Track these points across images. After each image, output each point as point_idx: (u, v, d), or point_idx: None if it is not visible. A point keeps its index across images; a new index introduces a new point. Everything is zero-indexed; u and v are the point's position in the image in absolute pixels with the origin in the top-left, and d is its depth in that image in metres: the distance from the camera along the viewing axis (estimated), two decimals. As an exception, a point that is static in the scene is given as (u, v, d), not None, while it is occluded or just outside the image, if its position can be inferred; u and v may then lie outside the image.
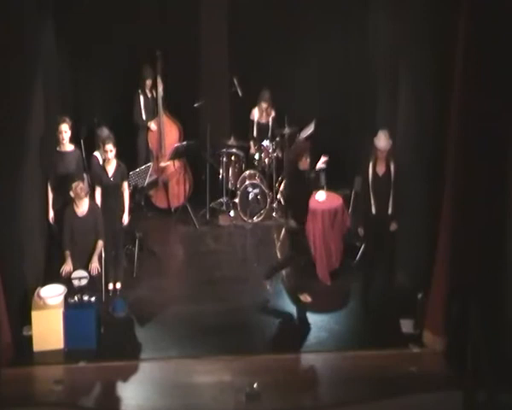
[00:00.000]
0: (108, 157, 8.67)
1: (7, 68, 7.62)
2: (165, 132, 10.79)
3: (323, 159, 8.88)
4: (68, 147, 8.84)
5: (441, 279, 7.63)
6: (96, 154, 9.13)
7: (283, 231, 10.05)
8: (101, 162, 8.96)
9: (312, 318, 8.48)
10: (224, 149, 10.69)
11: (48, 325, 7.81)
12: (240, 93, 10.62)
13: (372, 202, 8.35)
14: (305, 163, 8.39)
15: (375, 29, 9.89)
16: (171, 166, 10.83)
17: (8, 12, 7.55)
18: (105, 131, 9.20)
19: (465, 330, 7.12)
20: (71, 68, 10.22)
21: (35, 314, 7.83)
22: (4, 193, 7.75)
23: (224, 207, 10.82)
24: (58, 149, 8.81)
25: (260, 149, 10.82)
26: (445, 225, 7.60)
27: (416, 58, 8.36)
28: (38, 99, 8.66)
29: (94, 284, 8.17)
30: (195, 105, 10.70)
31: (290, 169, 8.77)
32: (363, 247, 9.17)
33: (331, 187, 9.94)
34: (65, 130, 8.71)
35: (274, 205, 10.80)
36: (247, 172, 10.69)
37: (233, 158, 10.77)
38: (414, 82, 8.50)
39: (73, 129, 8.91)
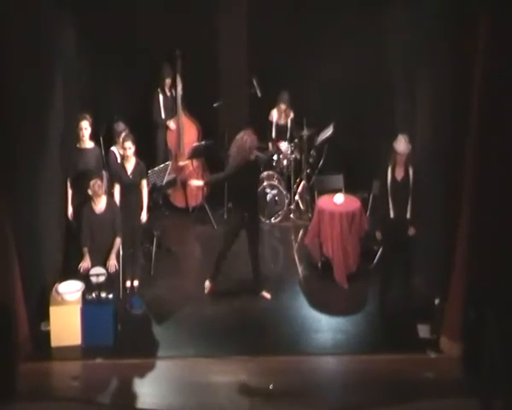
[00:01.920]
0: (127, 154, 8.71)
1: (27, 66, 7.66)
2: (184, 132, 10.82)
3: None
4: (88, 144, 8.90)
5: (459, 285, 7.61)
6: (114, 149, 9.19)
7: (301, 232, 10.09)
8: (118, 157, 9.01)
9: (329, 320, 8.48)
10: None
11: (65, 321, 7.86)
12: (259, 94, 10.63)
13: (390, 206, 8.32)
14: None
15: (395, 31, 9.86)
16: (189, 165, 10.86)
17: (27, 10, 7.59)
18: (121, 126, 9.27)
19: (482, 337, 7.11)
20: (91, 66, 10.23)
21: (53, 310, 7.87)
22: (24, 189, 7.79)
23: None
24: (78, 145, 8.87)
25: (278, 150, 10.82)
26: (463, 230, 7.58)
27: (435, 62, 8.34)
28: (58, 96, 8.69)
29: (111, 282, 8.22)
30: (214, 105, 10.72)
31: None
32: (380, 251, 9.16)
33: (349, 190, 9.93)
34: (85, 127, 8.77)
35: (292, 206, 10.80)
36: (265, 174, 10.68)
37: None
38: (434, 86, 8.48)
39: (93, 126, 8.96)
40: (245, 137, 8.54)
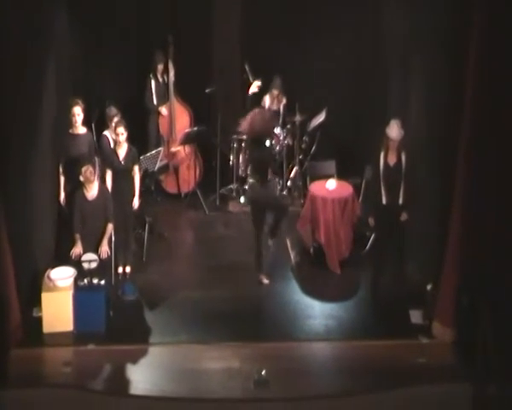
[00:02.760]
0: (119, 140, 8.67)
1: (19, 52, 7.60)
2: (176, 118, 10.78)
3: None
4: (81, 130, 8.86)
5: (451, 270, 7.62)
6: (106, 133, 9.16)
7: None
8: (111, 142, 8.97)
9: (321, 306, 8.49)
10: (235, 136, 10.67)
11: (57, 307, 7.84)
12: (251, 79, 10.58)
13: (383, 191, 8.32)
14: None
15: (388, 18, 9.84)
16: (181, 151, 10.83)
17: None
18: (113, 110, 9.24)
19: (475, 322, 7.12)
20: (83, 52, 10.19)
21: (45, 296, 7.85)
22: (16, 175, 7.74)
23: (233, 194, 10.82)
24: (70, 131, 8.83)
25: (271, 136, 10.77)
26: (455, 216, 7.58)
27: (428, 47, 8.32)
28: (50, 82, 8.65)
29: (103, 268, 8.19)
30: (207, 91, 10.68)
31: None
32: (373, 236, 9.17)
33: (342, 176, 9.91)
34: (77, 112, 8.73)
35: (284, 192, 10.78)
36: (257, 159, 10.63)
37: (243, 144, 10.75)
38: (426, 72, 8.47)
39: (85, 112, 8.91)
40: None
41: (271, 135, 8.64)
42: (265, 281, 8.81)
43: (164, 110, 10.76)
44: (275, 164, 8.73)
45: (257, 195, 8.71)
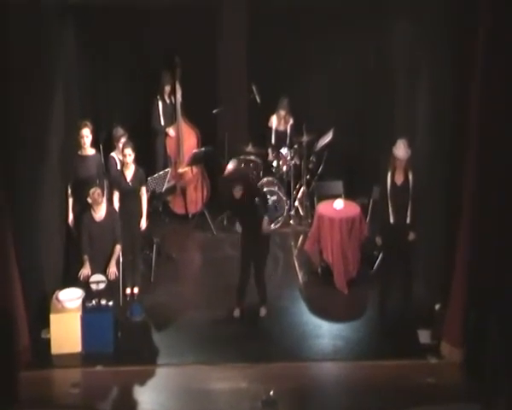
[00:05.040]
0: (127, 161, 8.72)
1: (28, 74, 7.67)
2: (184, 138, 10.83)
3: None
4: (89, 151, 8.91)
5: (459, 290, 7.61)
6: (113, 155, 9.21)
7: (301, 238, 10.12)
8: (118, 163, 9.01)
9: (329, 326, 8.48)
10: (242, 156, 10.71)
11: (66, 329, 7.86)
12: (258, 100, 10.64)
13: (390, 211, 8.31)
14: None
15: (394, 38, 9.88)
16: (189, 172, 10.87)
17: (29, 18, 7.60)
18: (120, 131, 9.32)
19: (483, 342, 7.11)
20: (90, 74, 10.26)
21: (53, 317, 7.88)
22: (24, 196, 7.79)
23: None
24: (79, 153, 8.87)
25: (278, 156, 10.82)
26: (463, 235, 7.57)
27: (434, 67, 8.35)
28: (59, 104, 8.71)
29: (111, 289, 8.23)
30: (214, 111, 10.73)
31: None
32: (380, 256, 9.16)
33: (349, 196, 9.93)
34: (86, 134, 8.78)
35: (291, 212, 10.80)
36: (265, 179, 10.67)
37: (251, 165, 10.78)
38: (433, 91, 8.50)
39: (93, 134, 8.96)
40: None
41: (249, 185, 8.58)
42: (262, 312, 8.62)
43: (171, 131, 10.81)
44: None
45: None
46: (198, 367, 7.76)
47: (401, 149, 8.19)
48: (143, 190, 8.86)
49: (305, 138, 10.71)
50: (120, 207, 8.70)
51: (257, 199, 8.53)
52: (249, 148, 10.73)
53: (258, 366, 7.75)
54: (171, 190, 10.31)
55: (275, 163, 10.83)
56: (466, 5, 7.38)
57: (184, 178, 10.87)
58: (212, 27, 10.82)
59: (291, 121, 10.92)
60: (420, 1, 8.62)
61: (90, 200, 8.23)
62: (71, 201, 8.81)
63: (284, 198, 10.60)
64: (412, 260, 8.46)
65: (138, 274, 9.00)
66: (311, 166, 11.09)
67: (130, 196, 8.77)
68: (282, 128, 10.94)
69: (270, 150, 10.91)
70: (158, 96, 10.77)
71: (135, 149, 8.73)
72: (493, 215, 7.29)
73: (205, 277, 9.69)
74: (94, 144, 9.10)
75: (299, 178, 10.95)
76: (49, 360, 7.80)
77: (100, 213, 8.31)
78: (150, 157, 10.62)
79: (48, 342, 7.87)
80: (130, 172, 8.76)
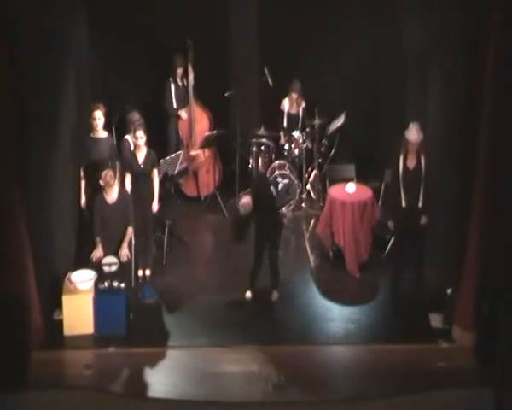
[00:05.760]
0: (139, 144, 8.72)
1: (40, 57, 7.68)
2: (196, 121, 10.82)
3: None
4: (102, 134, 8.92)
5: (471, 274, 7.59)
6: (127, 137, 9.22)
7: (312, 221, 10.11)
8: (132, 147, 9.02)
9: (340, 310, 8.49)
10: (254, 139, 10.70)
11: (78, 310, 7.90)
12: (270, 83, 10.60)
13: (402, 195, 8.29)
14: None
15: (406, 21, 9.80)
16: (201, 155, 10.86)
17: (40, 2, 7.60)
18: (136, 115, 9.32)
19: (495, 326, 7.08)
20: (103, 56, 10.26)
21: (66, 299, 7.91)
22: (37, 179, 7.81)
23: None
24: (92, 135, 8.89)
25: (290, 139, 10.80)
26: (476, 219, 7.55)
27: (446, 49, 8.29)
28: (71, 86, 8.71)
29: (124, 271, 8.25)
30: (226, 94, 10.71)
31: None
32: (392, 240, 9.14)
33: (361, 179, 9.91)
34: (99, 117, 8.79)
35: (303, 196, 10.79)
36: (277, 163, 10.66)
37: (263, 148, 10.77)
38: (445, 74, 8.44)
39: (106, 116, 8.97)
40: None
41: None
42: (274, 296, 8.66)
43: (183, 114, 10.80)
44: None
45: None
46: (209, 349, 7.79)
47: (413, 133, 8.16)
48: (155, 172, 8.86)
49: (317, 121, 10.69)
50: (132, 190, 8.71)
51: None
52: (261, 131, 10.72)
53: (269, 348, 7.78)
54: (184, 172, 10.30)
55: (287, 146, 10.80)
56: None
57: (196, 161, 10.87)
58: (224, 10, 10.78)
59: (303, 104, 10.88)
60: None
61: (102, 182, 8.24)
62: (83, 183, 8.83)
63: (296, 181, 10.59)
64: (424, 244, 8.44)
65: (150, 256, 9.02)
66: (323, 149, 11.07)
67: (142, 179, 8.78)
68: (294, 111, 10.90)
69: (282, 133, 10.89)
70: (170, 79, 10.75)
71: (147, 132, 8.73)
72: (506, 199, 7.25)
73: (216, 259, 9.71)
74: (106, 127, 9.11)
75: (311, 162, 10.93)
76: (61, 341, 7.84)
77: (112, 195, 8.33)
78: (162, 139, 10.62)
79: (60, 323, 7.91)
80: (141, 155, 8.77)
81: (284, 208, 10.49)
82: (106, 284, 7.99)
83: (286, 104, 10.89)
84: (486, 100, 7.23)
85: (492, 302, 7.23)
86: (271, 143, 10.81)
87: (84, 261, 8.36)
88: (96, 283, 8.01)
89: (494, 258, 7.32)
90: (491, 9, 7.04)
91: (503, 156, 7.19)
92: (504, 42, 6.98)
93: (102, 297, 7.94)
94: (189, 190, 10.94)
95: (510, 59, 6.99)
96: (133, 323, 8.07)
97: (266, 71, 10.57)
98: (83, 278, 8.03)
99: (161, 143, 10.32)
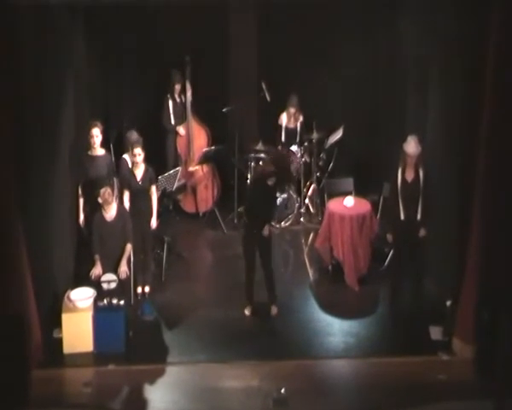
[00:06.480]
0: (137, 161, 8.74)
1: (38, 74, 7.71)
2: (194, 137, 10.83)
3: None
4: (99, 151, 8.94)
5: (471, 286, 7.58)
6: (125, 156, 9.22)
7: (311, 235, 10.10)
8: (130, 165, 9.04)
9: (340, 323, 8.47)
10: (252, 154, 10.71)
11: (78, 328, 7.90)
12: (268, 98, 10.63)
13: (401, 207, 8.30)
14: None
15: (405, 34, 9.84)
16: (199, 170, 10.88)
17: (39, 18, 7.64)
18: (134, 134, 9.30)
19: (495, 338, 7.07)
20: (100, 73, 10.29)
21: (65, 317, 7.91)
22: (35, 197, 7.82)
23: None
24: (89, 153, 8.91)
25: (289, 153, 10.81)
26: (475, 231, 7.55)
27: (446, 63, 8.32)
28: (69, 104, 8.75)
29: (123, 288, 8.24)
30: (224, 110, 10.73)
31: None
32: (391, 253, 9.14)
33: (359, 193, 9.91)
34: (96, 134, 8.81)
35: (302, 210, 10.80)
36: (275, 177, 10.66)
37: (261, 163, 10.78)
38: (444, 87, 8.46)
39: (104, 134, 8.99)
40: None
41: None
42: (273, 311, 8.64)
43: (181, 130, 10.82)
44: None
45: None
46: (209, 365, 7.78)
47: (412, 146, 8.17)
48: (153, 189, 8.88)
49: (315, 136, 10.70)
50: (131, 207, 8.72)
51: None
52: (259, 146, 10.72)
53: (269, 363, 7.76)
54: (182, 188, 10.33)
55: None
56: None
57: (195, 177, 10.88)
58: (221, 26, 10.82)
59: (301, 119, 10.90)
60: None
61: (100, 200, 8.26)
62: (81, 201, 8.84)
63: (294, 196, 10.60)
64: (423, 257, 8.44)
65: (149, 273, 9.02)
66: (321, 163, 11.07)
67: (140, 196, 8.80)
68: (291, 126, 10.92)
69: (280, 148, 10.90)
70: (168, 95, 10.76)
71: (145, 149, 8.75)
72: (505, 212, 7.25)
73: (215, 275, 9.72)
74: (104, 144, 9.13)
75: (309, 176, 10.93)
76: (61, 359, 7.83)
77: (110, 212, 8.34)
78: (161, 156, 10.64)
79: (60, 341, 7.90)
80: (140, 172, 8.78)
81: (283, 223, 10.51)
82: (105, 301, 7.98)
83: (284, 119, 10.91)
84: (486, 112, 7.22)
85: (492, 314, 7.22)
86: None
87: (83, 279, 8.36)
88: (96, 300, 8.00)
89: (493, 270, 7.32)
90: (491, 21, 7.05)
91: (503, 169, 7.20)
92: (505, 53, 6.99)
93: (102, 315, 7.93)
94: (188, 206, 10.95)
95: (509, 70, 7.01)
96: (132, 340, 8.06)
97: (264, 85, 10.60)
98: (82, 296, 8.03)
99: (159, 159, 10.33)
